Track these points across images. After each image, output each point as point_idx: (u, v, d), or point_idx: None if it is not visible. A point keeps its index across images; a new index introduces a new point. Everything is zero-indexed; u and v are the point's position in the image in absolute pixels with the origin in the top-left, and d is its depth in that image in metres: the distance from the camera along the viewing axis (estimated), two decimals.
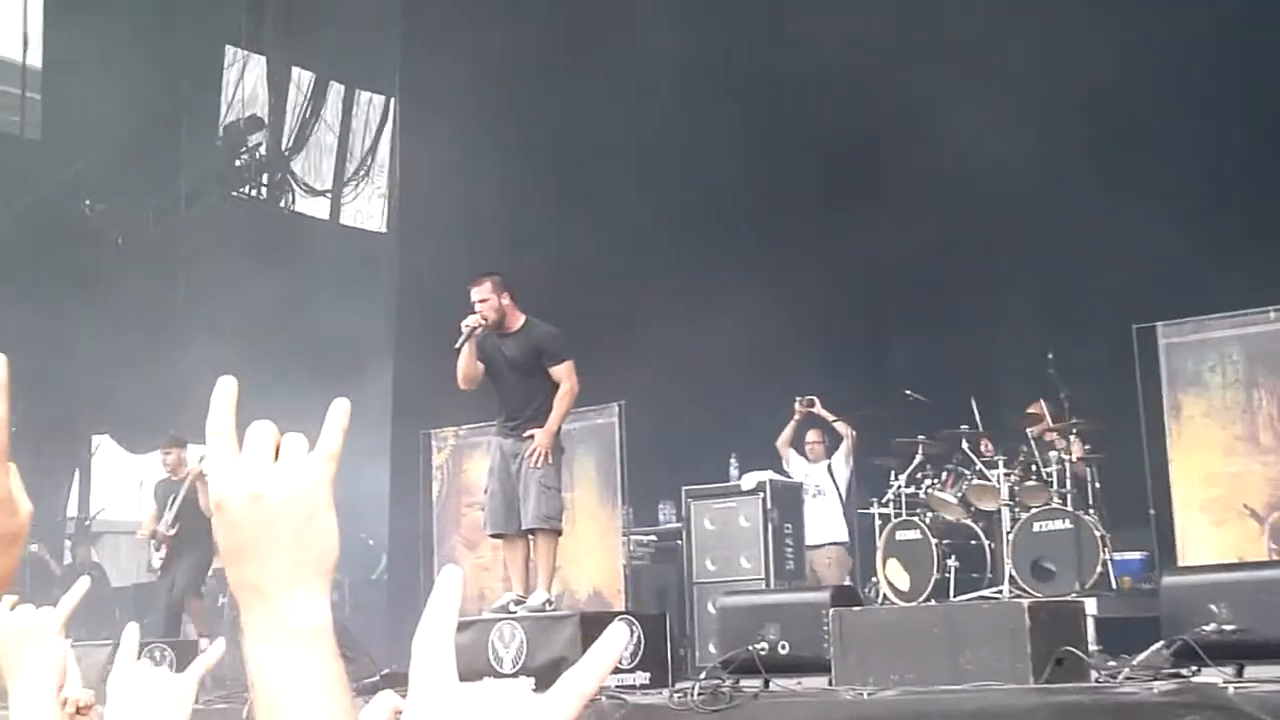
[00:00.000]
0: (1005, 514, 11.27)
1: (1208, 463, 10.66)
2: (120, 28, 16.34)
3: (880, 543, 11.75)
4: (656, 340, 14.09)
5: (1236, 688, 6.40)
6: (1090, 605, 9.43)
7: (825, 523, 13.07)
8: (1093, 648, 8.27)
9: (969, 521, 11.60)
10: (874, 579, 11.88)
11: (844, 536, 13.17)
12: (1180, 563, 10.10)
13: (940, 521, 11.64)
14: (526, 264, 11.72)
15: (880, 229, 15.31)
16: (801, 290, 14.35)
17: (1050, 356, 11.63)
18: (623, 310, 14.71)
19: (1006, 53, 14.09)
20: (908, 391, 12.79)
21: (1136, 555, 11.64)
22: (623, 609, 11.67)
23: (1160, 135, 13.65)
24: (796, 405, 13.27)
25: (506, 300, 9.63)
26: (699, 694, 7.60)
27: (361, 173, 20.38)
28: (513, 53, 15.18)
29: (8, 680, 2.03)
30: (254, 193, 19.53)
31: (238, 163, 19.22)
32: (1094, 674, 7.38)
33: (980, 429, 11.97)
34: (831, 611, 7.97)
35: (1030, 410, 11.99)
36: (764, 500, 12.22)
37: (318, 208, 20.37)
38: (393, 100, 19.10)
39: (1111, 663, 7.96)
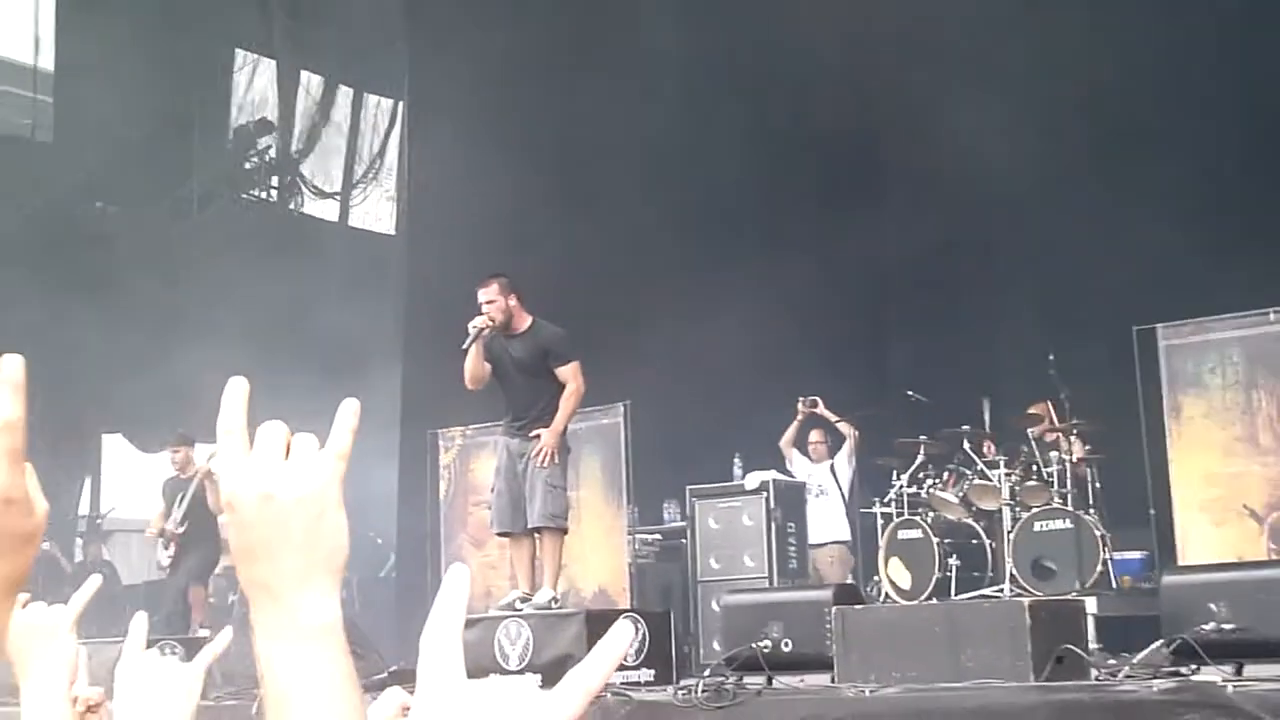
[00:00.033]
0: (1006, 513, 11.26)
1: (1207, 463, 10.66)
2: (131, 31, 16.35)
3: (882, 542, 11.74)
4: (660, 341, 14.09)
5: (1236, 686, 6.40)
6: (1090, 604, 9.42)
7: (828, 522, 13.07)
8: (1093, 646, 8.26)
9: (970, 521, 11.60)
10: (876, 577, 11.87)
11: (846, 535, 13.17)
12: (1180, 562, 10.10)
13: (942, 521, 11.64)
14: (532, 265, 11.73)
15: (881, 229, 15.30)
16: (804, 290, 14.33)
17: (1051, 357, 11.62)
18: (627, 311, 14.70)
19: (1006, 53, 14.04)
20: (909, 392, 12.79)
21: (1136, 555, 11.63)
22: (628, 607, 11.67)
23: (1160, 135, 13.58)
24: (799, 405, 13.27)
25: (513, 302, 9.64)
26: (703, 691, 7.60)
27: (370, 175, 20.39)
28: (518, 56, 15.18)
29: (19, 677, 2.03)
30: (264, 195, 19.56)
31: (248, 165, 19.25)
32: (1094, 672, 7.37)
33: (987, 430, 11.95)
34: (834, 610, 7.97)
35: (1032, 410, 11.98)
36: (767, 499, 12.23)
37: (327, 210, 20.38)
38: (401, 104, 19.10)
39: (1111, 661, 7.96)
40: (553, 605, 9.54)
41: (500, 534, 10.19)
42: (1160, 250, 12.57)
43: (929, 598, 10.92)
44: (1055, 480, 11.23)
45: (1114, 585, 10.99)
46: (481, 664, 8.66)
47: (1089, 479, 11.41)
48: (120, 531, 18.50)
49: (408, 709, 3.32)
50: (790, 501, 12.53)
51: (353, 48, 18.34)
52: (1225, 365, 10.64)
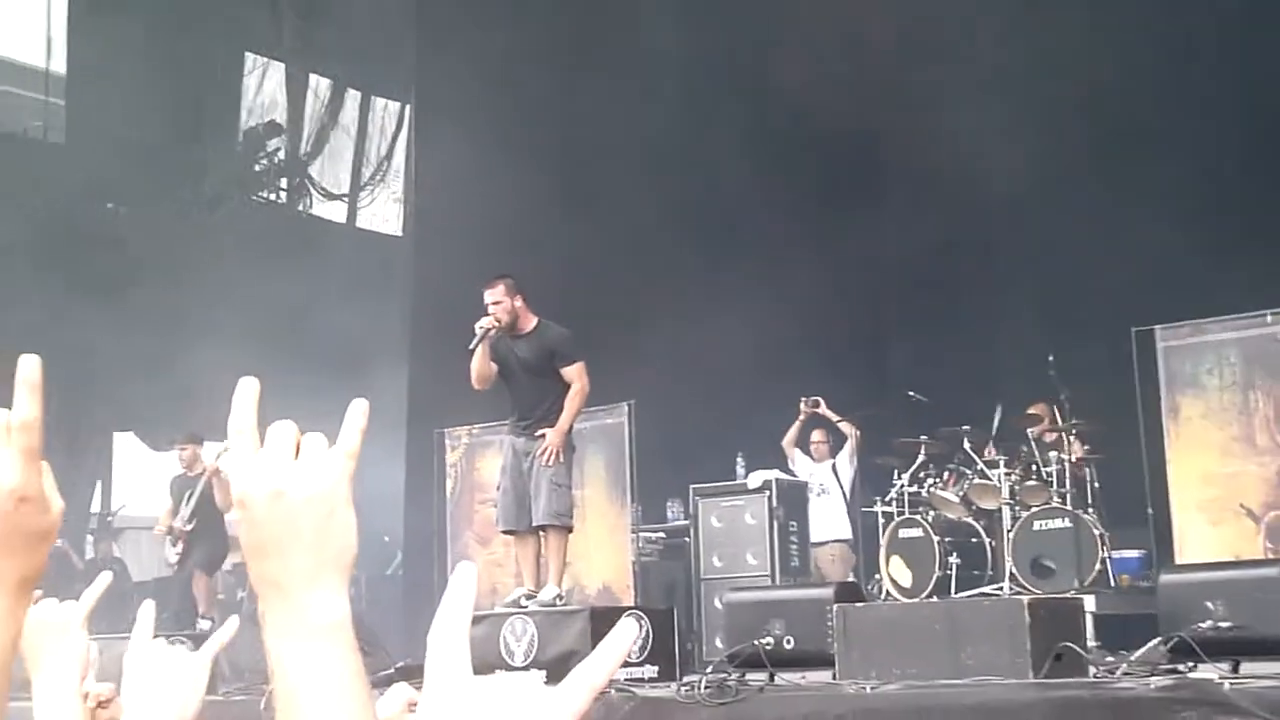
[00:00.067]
0: (1006, 513, 11.26)
1: (1205, 463, 10.66)
2: (142, 35, 16.37)
3: (883, 540, 11.74)
4: (664, 341, 14.08)
5: (1232, 684, 6.40)
6: (1089, 602, 9.40)
7: (829, 520, 13.07)
8: (1091, 644, 8.26)
9: (970, 520, 11.60)
10: (877, 576, 11.87)
11: (848, 534, 13.16)
12: (1178, 561, 10.09)
13: (942, 520, 11.64)
14: (537, 266, 11.73)
15: (881, 229, 15.25)
16: (805, 291, 14.31)
17: (1051, 358, 11.61)
18: (631, 312, 14.70)
19: (1006, 53, 13.95)
20: (910, 392, 12.78)
21: (1135, 553, 11.62)
22: (631, 604, 11.67)
23: (1160, 135, 13.45)
24: (801, 406, 13.27)
25: (519, 302, 9.65)
26: (706, 687, 7.60)
27: (377, 177, 20.40)
28: (523, 60, 15.19)
29: (31, 673, 2.03)
30: (273, 197, 19.58)
31: (257, 167, 19.27)
32: (1092, 669, 7.37)
33: (994, 434, 11.91)
34: (835, 607, 7.97)
35: (1031, 411, 11.97)
36: (770, 498, 12.23)
37: (335, 211, 20.39)
38: (408, 107, 19.11)
39: (1110, 658, 7.96)
40: (557, 602, 9.55)
41: (505, 532, 10.20)
42: (1159, 251, 12.53)
43: (929, 596, 10.92)
44: (1054, 480, 11.23)
45: (1112, 584, 10.98)
46: (487, 660, 8.66)
47: (1088, 479, 11.41)
48: (130, 529, 18.51)
49: (414, 705, 3.33)
50: (792, 500, 12.53)
51: (360, 52, 18.34)
52: (1223, 366, 10.64)
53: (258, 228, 18.41)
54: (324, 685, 1.20)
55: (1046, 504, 11.12)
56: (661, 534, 13.57)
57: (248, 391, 1.27)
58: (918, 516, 11.61)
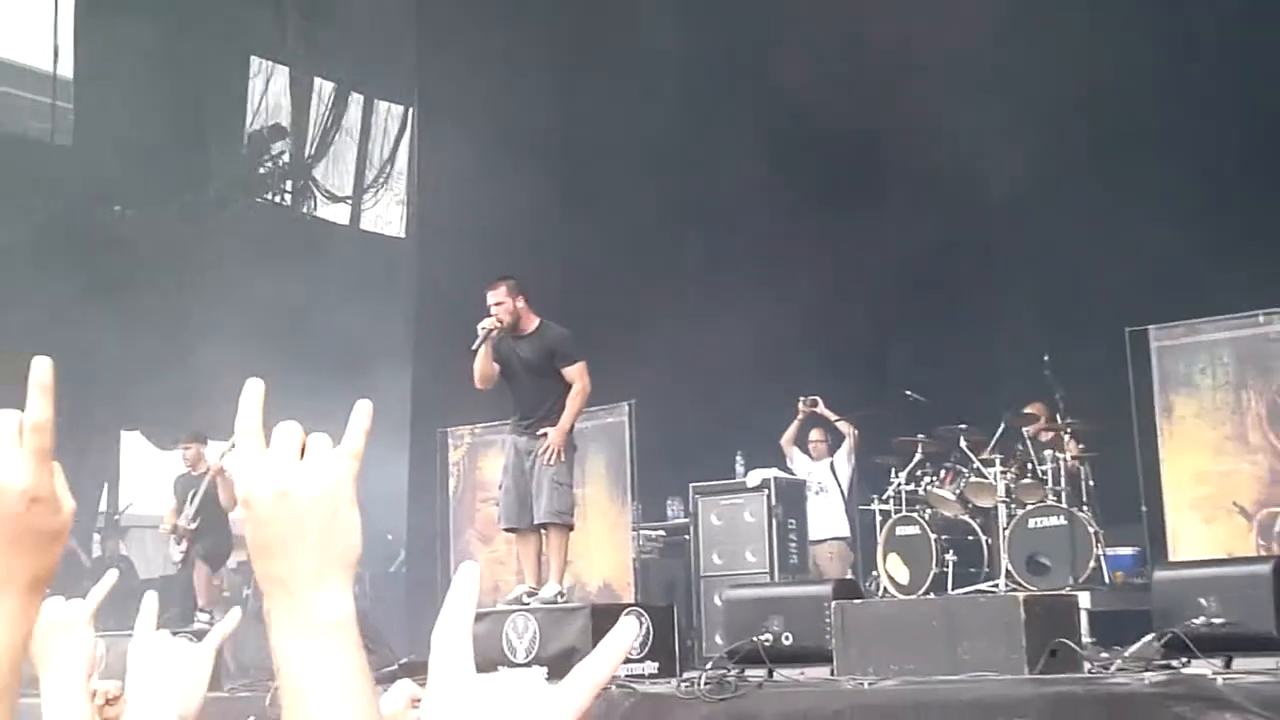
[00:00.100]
0: (1002, 510, 11.27)
1: (1198, 462, 10.66)
2: (147, 39, 16.36)
3: (881, 538, 11.75)
4: (664, 341, 14.08)
5: (1225, 679, 6.41)
6: (1084, 599, 9.44)
7: (828, 518, 13.07)
8: (1086, 640, 8.28)
9: (967, 518, 11.60)
10: (875, 573, 11.88)
11: (846, 532, 13.16)
12: (1171, 558, 10.10)
13: (939, 518, 11.64)
14: (539, 267, 11.74)
15: (881, 229, 15.21)
16: (804, 291, 14.31)
17: (1046, 358, 11.61)
18: (631, 312, 14.70)
19: (1006, 53, 13.83)
20: (908, 392, 12.78)
21: (1129, 551, 11.63)
22: (632, 601, 11.67)
23: (1160, 135, 13.35)
24: (800, 405, 13.27)
25: (521, 303, 9.66)
26: (705, 683, 7.61)
27: (381, 180, 20.40)
28: (523, 62, 15.19)
29: (39, 670, 2.03)
30: (277, 199, 19.58)
31: (262, 170, 19.27)
32: (1087, 665, 7.39)
33: (997, 438, 11.90)
34: (833, 604, 7.98)
35: (1028, 410, 11.97)
36: (768, 497, 12.23)
37: (338, 214, 20.39)
38: (410, 110, 19.11)
39: (1104, 654, 7.98)
40: (559, 600, 9.55)
41: (507, 530, 10.21)
42: (1155, 251, 12.51)
43: (926, 592, 10.93)
44: (1050, 478, 11.23)
45: (1107, 580, 10.99)
46: (489, 657, 8.66)
47: (1083, 477, 11.42)
48: (137, 527, 18.51)
49: (417, 700, 3.33)
50: (791, 498, 12.53)
51: (363, 55, 18.35)
52: (1216, 366, 10.64)
53: (262, 230, 18.41)
54: (329, 682, 1.21)
55: (1042, 502, 11.13)
56: (662, 532, 13.57)
57: (253, 393, 1.27)
58: (915, 514, 11.61)
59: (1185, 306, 11.00)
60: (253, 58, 19.21)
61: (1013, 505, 11.23)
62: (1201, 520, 10.54)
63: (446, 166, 15.66)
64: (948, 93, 13.95)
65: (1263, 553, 9.89)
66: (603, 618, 8.81)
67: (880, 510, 12.01)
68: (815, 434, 13.42)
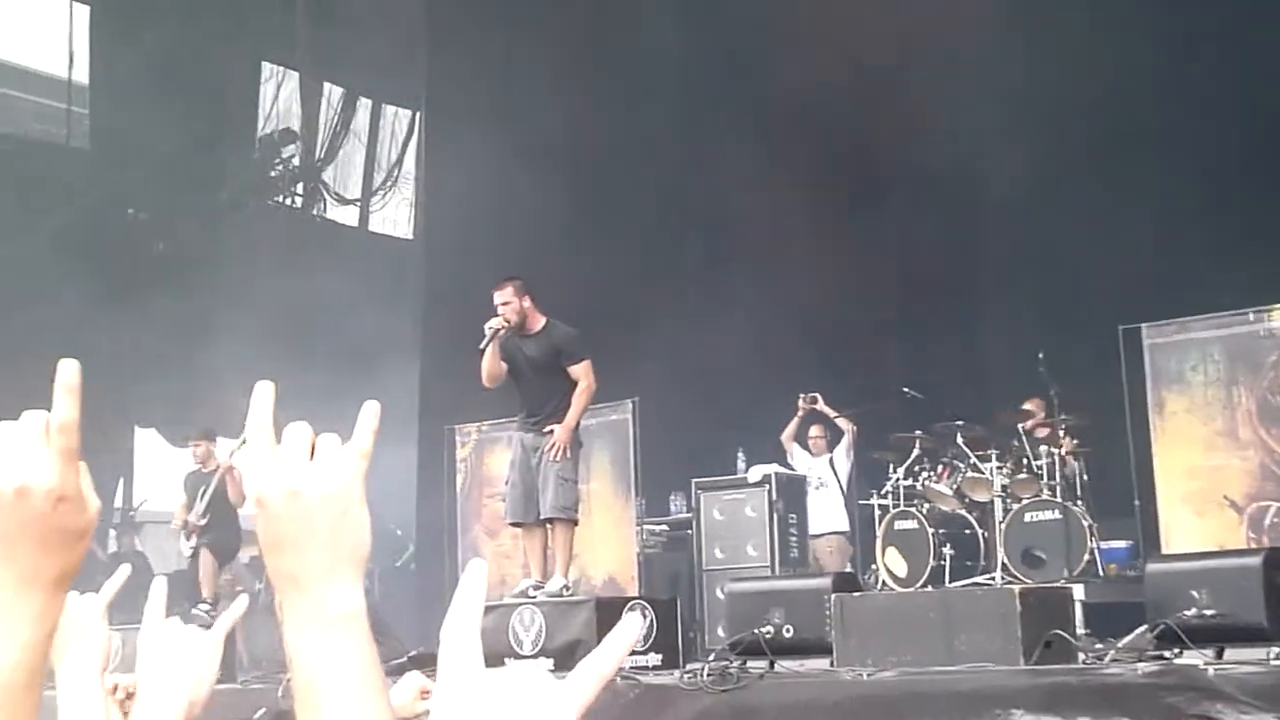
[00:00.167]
0: (998, 505, 11.27)
1: (1190, 457, 10.67)
2: (162, 45, 16.38)
3: (879, 532, 11.75)
4: (667, 340, 14.08)
5: (1216, 669, 6.40)
6: (1078, 591, 9.43)
7: (827, 513, 13.07)
8: (1080, 631, 8.27)
9: (963, 512, 11.60)
10: (873, 566, 11.88)
11: (845, 526, 13.16)
12: (1164, 551, 10.10)
13: (936, 512, 11.64)
14: (543, 267, 11.72)
15: (880, 229, 15.17)
16: (804, 290, 14.30)
17: (1041, 356, 11.60)
18: (635, 312, 14.68)
19: (1006, 53, 13.78)
20: (905, 389, 12.78)
21: (1122, 544, 11.63)
22: (636, 594, 11.67)
23: (1159, 135, 13.28)
24: (800, 402, 13.28)
25: (528, 303, 9.65)
26: (708, 675, 7.61)
27: (389, 183, 20.40)
28: (528, 68, 15.19)
29: (55, 663, 2.04)
30: (288, 201, 19.58)
31: (273, 173, 19.27)
32: (1081, 656, 7.38)
33: (996, 433, 11.89)
34: (833, 597, 7.98)
35: (1025, 407, 11.98)
36: (769, 492, 12.23)
37: (347, 216, 20.40)
38: (418, 114, 19.13)
39: (1098, 645, 7.97)
40: (564, 593, 9.56)
41: (514, 524, 10.20)
42: (1147, 251, 12.50)
43: (924, 585, 10.93)
44: (1045, 473, 11.24)
45: (1101, 573, 10.99)
46: (496, 649, 8.66)
47: (1077, 472, 11.42)
48: (152, 523, 18.52)
49: (426, 692, 3.34)
50: (791, 494, 12.53)
51: (372, 61, 18.35)
52: (1207, 363, 10.65)
53: (273, 232, 18.42)
54: (341, 674, 1.22)
55: (1037, 496, 11.13)
56: (665, 526, 13.58)
57: (264, 395, 1.28)
58: (912, 509, 11.61)
59: (1177, 305, 10.98)
60: (264, 63, 19.22)
61: (1008, 500, 11.24)
62: (1193, 514, 10.55)
63: (453, 169, 15.66)
64: (947, 93, 13.91)
65: (1253, 545, 9.89)
66: (607, 611, 8.81)
67: (879, 505, 12.02)
68: (815, 430, 13.42)
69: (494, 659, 1.09)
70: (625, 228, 15.18)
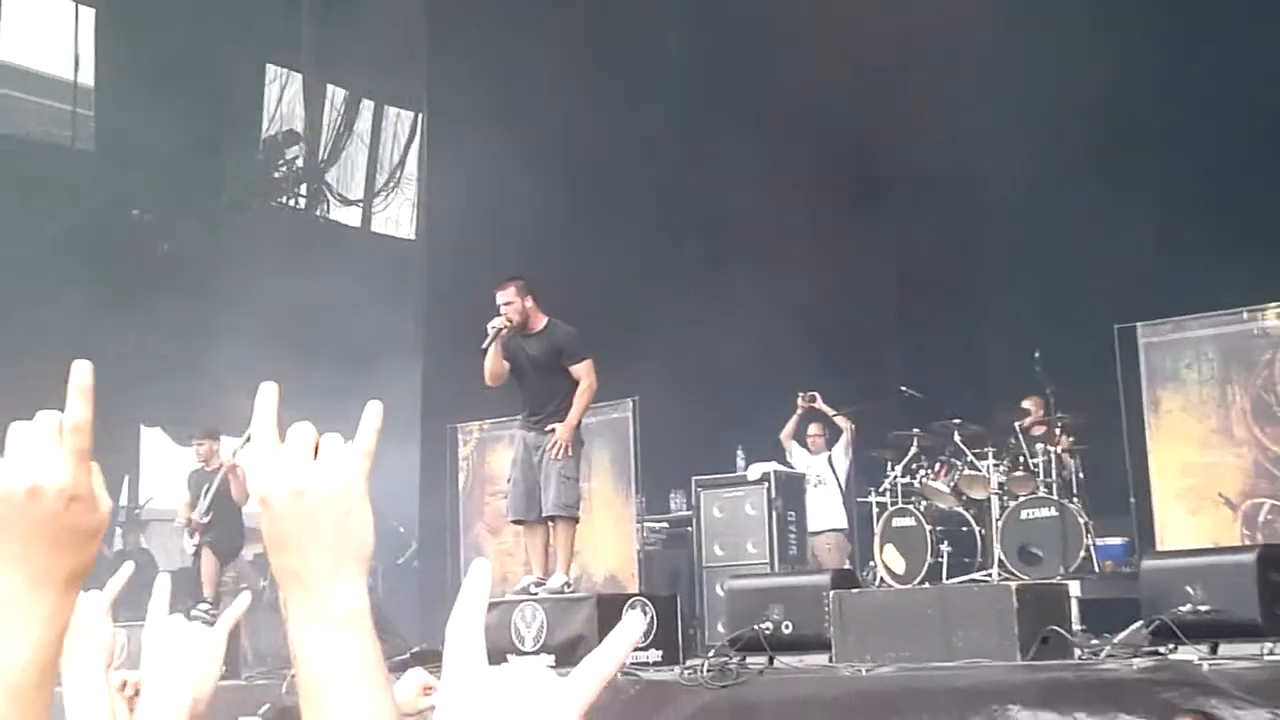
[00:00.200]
0: (995, 502, 11.27)
1: (1185, 454, 10.67)
2: (167, 47, 16.38)
3: (877, 529, 11.75)
4: (667, 340, 14.08)
5: (1211, 665, 6.40)
6: (1074, 587, 9.42)
7: (826, 511, 13.07)
8: (1076, 627, 8.26)
9: (961, 509, 11.60)
10: (872, 563, 11.88)
11: (843, 523, 13.17)
12: (1159, 548, 10.10)
13: (934, 509, 11.64)
14: (544, 267, 11.72)
15: (879, 229, 15.17)
16: (803, 290, 14.30)
17: (1037, 354, 11.60)
18: (635, 311, 14.68)
19: (1006, 53, 13.75)
20: (903, 388, 12.78)
21: (1118, 541, 11.63)
22: (636, 591, 11.68)
23: (1158, 135, 13.26)
24: (799, 400, 13.28)
25: (530, 303, 9.65)
26: (708, 670, 7.61)
27: (391, 184, 20.41)
28: (529, 69, 15.19)
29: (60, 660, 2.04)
30: (291, 202, 19.59)
31: (276, 174, 19.28)
32: (1077, 652, 7.38)
33: (993, 431, 11.88)
34: (832, 593, 7.98)
35: (1023, 405, 11.99)
36: (768, 490, 12.23)
37: (350, 216, 20.41)
38: (420, 115, 19.13)
39: (1094, 641, 7.96)
40: (565, 590, 9.55)
41: (515, 522, 10.20)
42: (1143, 251, 12.49)
43: (922, 582, 10.93)
44: (1041, 471, 11.24)
45: (1096, 570, 11.00)
46: (499, 645, 8.66)
47: (1073, 469, 11.43)
48: (157, 521, 18.53)
49: (429, 688, 3.34)
50: (790, 491, 12.53)
51: (374, 63, 18.35)
52: (1201, 362, 10.65)
53: (277, 232, 18.42)
54: (345, 672, 1.22)
55: (1033, 494, 11.14)
56: (665, 524, 13.58)
57: (268, 396, 1.29)
58: (910, 506, 11.62)
59: (1174, 305, 10.98)
60: (268, 65, 19.24)
61: (1005, 497, 11.24)
62: (1188, 511, 10.55)
63: (455, 170, 15.66)
64: (947, 93, 13.89)
65: (1247, 542, 9.89)
66: (608, 607, 8.82)
67: (877, 502, 12.02)
68: (814, 429, 13.42)
69: (496, 655, 1.09)
70: (625, 228, 15.17)
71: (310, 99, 19.09)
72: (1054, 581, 9.32)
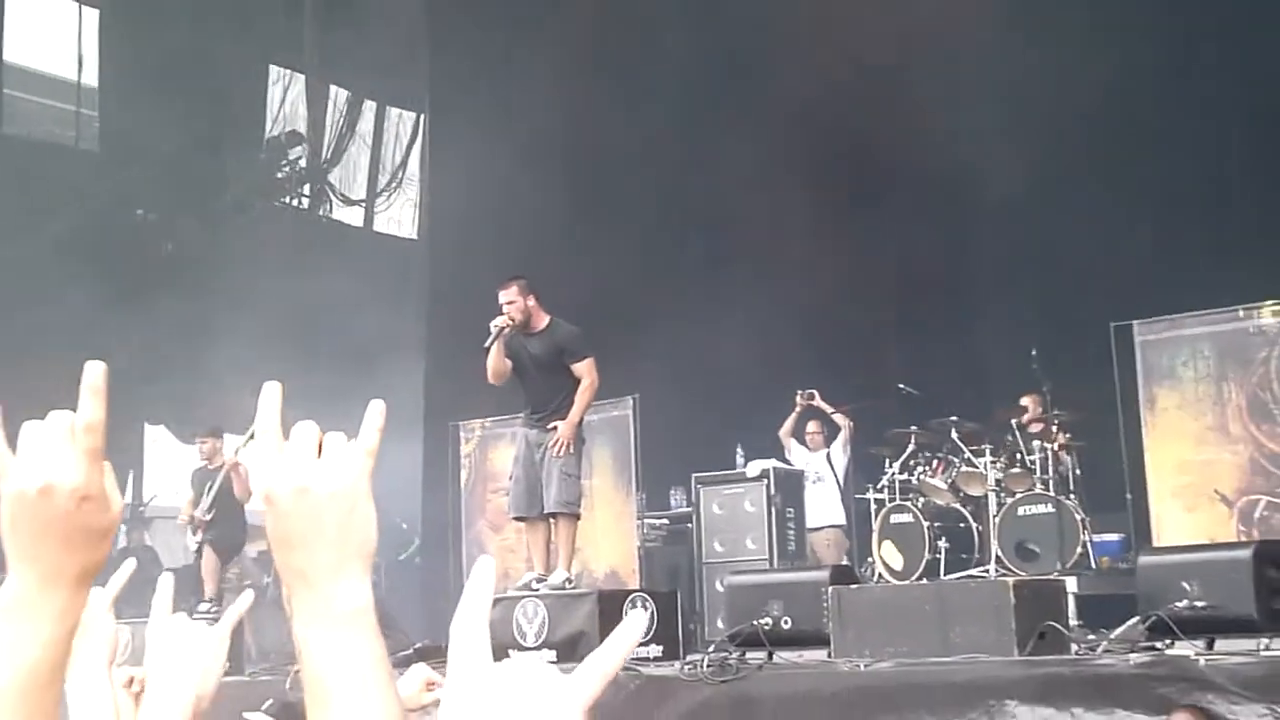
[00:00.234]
0: (992, 499, 11.27)
1: (1181, 451, 10.66)
2: (170, 48, 16.39)
3: (876, 525, 11.74)
4: (667, 338, 14.06)
5: (1207, 660, 6.41)
6: (1071, 583, 9.42)
7: (824, 507, 13.08)
8: (1073, 623, 8.28)
9: (958, 506, 11.60)
10: (870, 559, 11.88)
11: (842, 520, 13.17)
12: (1155, 544, 10.09)
13: (931, 506, 11.64)
14: (545, 266, 11.71)
15: (878, 229, 15.15)
16: (802, 289, 14.29)
17: (1034, 352, 11.60)
18: (636, 310, 14.67)
19: (1006, 53, 13.69)
20: (901, 385, 12.78)
21: (1114, 537, 11.63)
22: (637, 587, 11.66)
23: (1159, 135, 13.24)
24: (797, 398, 13.28)
25: (532, 302, 9.66)
26: (708, 666, 7.62)
27: (393, 184, 20.43)
28: (530, 69, 15.16)
29: None
30: (294, 202, 19.59)
31: (279, 175, 19.29)
32: (1074, 647, 7.39)
33: (990, 428, 11.88)
34: (830, 589, 7.98)
35: (1021, 402, 11.99)
36: (768, 486, 12.22)
37: (353, 216, 20.42)
38: (422, 116, 19.13)
39: (1091, 637, 7.98)
40: (567, 586, 9.55)
41: (517, 519, 10.21)
42: (1139, 249, 12.49)
43: (919, 578, 10.92)
44: (1038, 467, 11.24)
45: (1093, 566, 11.00)
46: (500, 641, 8.66)
47: (1070, 466, 11.43)
48: (161, 518, 18.54)
49: (432, 684, 3.35)
50: (789, 488, 12.53)
51: (377, 64, 18.36)
52: (1197, 359, 10.64)
53: (280, 232, 18.44)
54: (349, 669, 1.22)
55: (1031, 490, 11.13)
56: (665, 520, 13.57)
57: (272, 395, 1.29)
58: (908, 503, 11.61)
59: (1171, 303, 10.97)
60: (271, 66, 19.25)
61: (1002, 494, 11.23)
62: (1184, 508, 10.54)
63: (457, 170, 15.66)
64: (947, 93, 13.87)
65: (1243, 539, 9.88)
66: (609, 603, 8.82)
67: (875, 499, 12.02)
68: (812, 426, 13.42)
69: (498, 650, 1.09)
70: (625, 228, 15.16)
71: (313, 99, 19.11)
72: (1051, 577, 9.32)
